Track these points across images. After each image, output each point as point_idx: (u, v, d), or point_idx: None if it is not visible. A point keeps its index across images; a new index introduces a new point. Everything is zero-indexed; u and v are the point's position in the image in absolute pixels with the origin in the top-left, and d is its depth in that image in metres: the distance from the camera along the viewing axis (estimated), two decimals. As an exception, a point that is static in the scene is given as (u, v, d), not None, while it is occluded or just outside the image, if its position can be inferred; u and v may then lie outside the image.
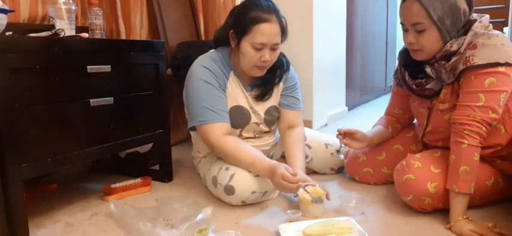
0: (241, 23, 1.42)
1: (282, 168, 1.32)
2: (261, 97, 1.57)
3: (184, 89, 1.54)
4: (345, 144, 1.60)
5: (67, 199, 1.58)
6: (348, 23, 3.33)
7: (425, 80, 1.35)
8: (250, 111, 1.56)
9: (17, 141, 1.18)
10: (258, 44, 1.39)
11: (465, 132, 1.21)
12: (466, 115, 1.22)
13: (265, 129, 1.62)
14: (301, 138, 1.60)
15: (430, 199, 1.28)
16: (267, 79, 1.56)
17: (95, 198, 1.59)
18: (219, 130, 1.43)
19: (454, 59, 1.26)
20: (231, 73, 1.53)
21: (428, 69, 1.32)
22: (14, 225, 1.17)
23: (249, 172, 1.41)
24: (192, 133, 1.69)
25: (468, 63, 1.22)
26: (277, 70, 1.57)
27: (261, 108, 1.58)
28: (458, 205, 1.21)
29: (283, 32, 1.45)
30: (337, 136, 1.60)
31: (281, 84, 1.62)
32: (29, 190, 1.51)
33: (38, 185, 1.69)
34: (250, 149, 1.44)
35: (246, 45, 1.42)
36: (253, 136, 1.61)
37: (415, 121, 1.64)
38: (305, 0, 2.63)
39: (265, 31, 1.39)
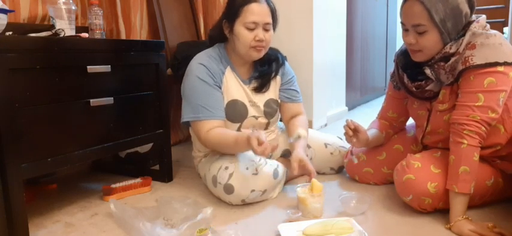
0: (231, 9, 1.51)
1: (252, 137, 1.31)
2: (260, 89, 1.62)
3: (182, 84, 1.58)
4: (348, 141, 1.56)
5: (67, 199, 1.58)
6: (348, 23, 3.33)
7: (425, 82, 1.35)
8: (248, 104, 1.59)
9: (17, 141, 1.18)
10: (251, 23, 1.46)
11: (464, 132, 1.21)
12: (466, 115, 1.22)
13: (264, 120, 1.64)
14: (305, 122, 1.68)
15: (430, 199, 1.28)
16: (264, 72, 1.62)
17: (95, 198, 1.59)
18: (208, 126, 1.48)
19: (453, 59, 1.25)
20: (228, 68, 1.58)
21: (427, 71, 1.31)
22: (14, 225, 1.17)
23: (247, 169, 1.41)
24: (191, 132, 1.70)
25: (467, 63, 1.22)
26: (273, 63, 1.65)
27: (260, 100, 1.62)
28: (458, 205, 1.21)
29: (273, 14, 1.54)
30: (345, 128, 1.51)
31: (278, 78, 1.68)
32: (29, 190, 1.51)
33: (38, 186, 1.69)
34: (232, 132, 1.49)
35: (239, 28, 1.48)
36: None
37: (411, 122, 1.64)
38: (305, 0, 2.63)
39: (255, 10, 1.47)
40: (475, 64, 1.21)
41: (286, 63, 1.72)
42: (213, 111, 1.49)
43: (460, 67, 1.24)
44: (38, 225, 1.36)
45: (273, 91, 1.67)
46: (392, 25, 4.79)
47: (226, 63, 1.58)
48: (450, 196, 1.23)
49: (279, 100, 1.70)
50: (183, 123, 1.58)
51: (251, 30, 1.47)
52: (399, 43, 5.23)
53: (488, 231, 1.15)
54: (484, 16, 1.31)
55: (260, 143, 1.31)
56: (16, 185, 1.17)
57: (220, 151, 1.52)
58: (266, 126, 1.67)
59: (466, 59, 1.23)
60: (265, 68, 1.63)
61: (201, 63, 1.53)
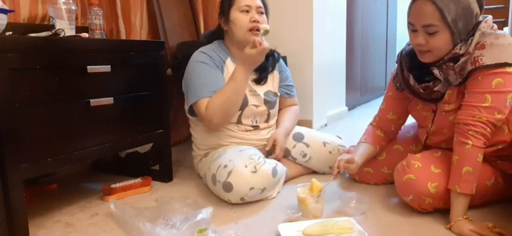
0: (225, 1, 1.64)
1: (245, 50, 1.46)
2: (258, 81, 1.70)
3: (183, 78, 1.63)
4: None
5: (67, 199, 1.58)
6: (348, 23, 3.33)
7: (432, 83, 1.32)
8: (248, 94, 1.64)
9: (17, 141, 1.18)
10: (244, 6, 1.58)
11: (470, 132, 1.20)
12: (472, 116, 1.20)
13: (264, 108, 1.68)
14: (295, 111, 1.85)
15: (430, 199, 1.27)
16: (262, 65, 1.67)
17: (95, 198, 1.59)
18: (207, 102, 1.51)
19: (462, 59, 1.23)
20: (228, 59, 1.65)
21: (436, 71, 1.29)
22: (14, 225, 1.17)
23: (246, 167, 1.41)
24: (192, 131, 1.73)
25: (477, 63, 1.21)
26: (270, 58, 1.74)
27: (260, 89, 1.70)
28: (459, 205, 1.21)
29: (263, 1, 1.66)
30: (334, 170, 1.45)
31: (276, 73, 1.78)
32: (29, 190, 1.51)
33: (38, 186, 1.69)
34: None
35: (235, 14, 1.60)
36: (251, 124, 1.66)
37: (410, 122, 1.63)
38: (305, 0, 2.64)
39: None
40: (484, 64, 1.19)
41: (281, 60, 1.83)
42: (214, 89, 1.52)
43: (470, 67, 1.22)
44: (38, 225, 1.36)
45: (271, 84, 1.75)
46: (392, 25, 4.79)
47: (226, 55, 1.66)
48: (452, 196, 1.23)
49: (279, 94, 1.78)
50: (188, 113, 1.64)
51: (246, 12, 1.58)
52: (399, 43, 5.24)
53: (488, 231, 1.15)
54: (490, 16, 1.29)
55: (254, 45, 1.43)
56: (16, 185, 1.17)
57: (229, 111, 1.52)
58: (267, 118, 1.72)
59: (476, 59, 1.21)
60: (263, 62, 1.68)
61: (202, 51, 1.62)
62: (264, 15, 1.64)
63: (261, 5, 1.63)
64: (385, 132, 1.60)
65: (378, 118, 1.62)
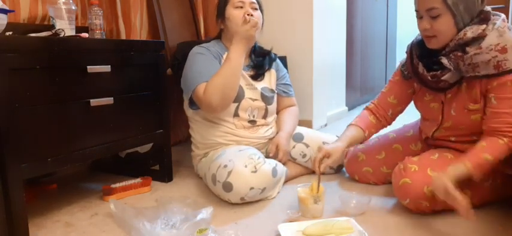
0: (221, 2, 1.69)
1: (237, 31, 1.53)
2: (255, 77, 1.73)
3: (182, 74, 1.64)
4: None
5: (67, 199, 1.58)
6: (348, 23, 3.33)
7: (440, 72, 1.32)
8: (245, 87, 1.66)
9: (17, 141, 1.18)
10: (238, 2, 1.63)
11: (506, 138, 1.21)
12: (506, 123, 1.21)
13: (261, 104, 1.69)
14: (295, 112, 1.87)
15: (427, 203, 1.27)
16: (260, 63, 1.75)
17: (95, 198, 1.59)
18: (204, 86, 1.53)
19: (472, 52, 1.23)
20: (226, 53, 1.66)
21: (444, 61, 1.29)
22: (14, 225, 1.17)
23: (246, 167, 1.41)
24: (191, 131, 1.73)
25: (500, 68, 1.21)
26: (266, 56, 1.79)
27: (257, 84, 1.72)
28: (456, 170, 1.18)
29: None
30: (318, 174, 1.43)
31: (273, 71, 1.81)
32: (29, 190, 1.51)
33: (38, 185, 1.69)
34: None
35: (230, 11, 1.64)
36: (248, 118, 1.66)
37: (410, 122, 1.63)
38: (305, 0, 2.64)
39: None
40: (509, 69, 1.20)
41: (278, 60, 1.86)
42: (212, 75, 1.53)
43: (492, 70, 1.22)
44: (38, 225, 1.36)
45: (268, 81, 1.76)
46: (392, 25, 4.79)
47: (223, 50, 1.69)
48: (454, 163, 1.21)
49: (276, 91, 1.80)
50: (188, 105, 1.66)
51: (240, 8, 1.62)
52: (399, 43, 5.22)
53: (458, 199, 1.09)
54: (503, 15, 1.30)
55: (246, 21, 1.51)
56: (16, 185, 1.17)
57: (227, 92, 1.52)
58: (265, 114, 1.71)
59: (499, 63, 1.21)
60: (260, 59, 1.76)
61: (200, 45, 1.68)
62: (258, 11, 1.67)
63: (254, 1, 1.67)
64: (381, 117, 1.58)
65: (376, 101, 1.61)
